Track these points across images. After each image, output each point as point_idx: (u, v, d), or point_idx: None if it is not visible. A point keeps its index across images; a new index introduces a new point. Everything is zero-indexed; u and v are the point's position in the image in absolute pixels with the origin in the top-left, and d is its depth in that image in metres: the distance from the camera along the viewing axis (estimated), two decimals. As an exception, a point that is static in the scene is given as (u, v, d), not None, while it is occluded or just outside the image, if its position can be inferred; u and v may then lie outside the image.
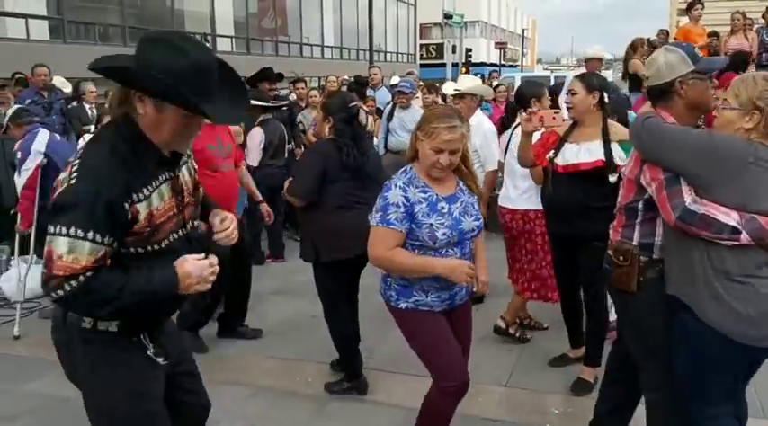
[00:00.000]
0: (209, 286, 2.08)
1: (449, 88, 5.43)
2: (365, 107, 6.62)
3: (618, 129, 3.83)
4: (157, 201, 2.03)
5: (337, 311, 3.92)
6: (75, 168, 1.91)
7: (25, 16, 14.78)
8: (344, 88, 9.20)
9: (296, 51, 27.42)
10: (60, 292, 1.87)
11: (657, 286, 2.65)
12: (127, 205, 1.93)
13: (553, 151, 3.79)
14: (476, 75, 31.57)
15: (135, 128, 1.99)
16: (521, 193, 4.51)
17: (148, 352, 2.15)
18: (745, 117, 2.39)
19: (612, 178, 3.56)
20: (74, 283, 1.87)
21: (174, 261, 2.03)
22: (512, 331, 4.66)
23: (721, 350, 2.44)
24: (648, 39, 10.20)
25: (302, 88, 9.11)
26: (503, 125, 6.26)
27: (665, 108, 2.69)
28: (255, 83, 7.09)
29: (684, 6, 11.10)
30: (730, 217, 2.32)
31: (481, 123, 5.30)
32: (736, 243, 2.33)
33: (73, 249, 1.85)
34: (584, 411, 3.67)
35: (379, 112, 8.48)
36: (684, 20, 11.04)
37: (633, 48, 9.65)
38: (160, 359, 2.18)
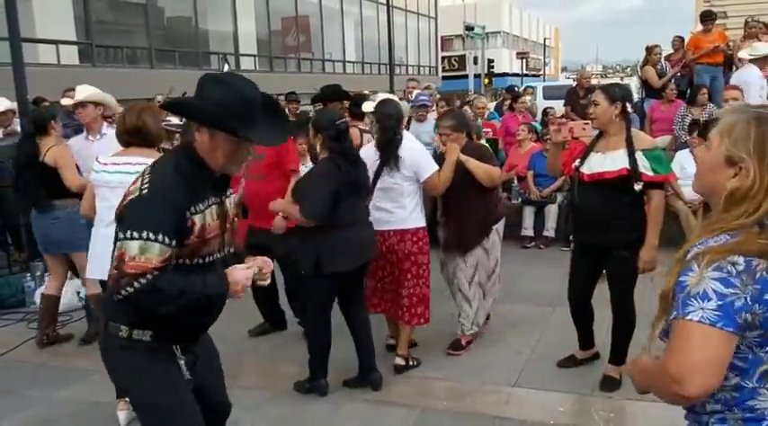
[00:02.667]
0: (243, 294, 2.34)
1: (368, 107, 5.50)
2: (363, 124, 6.63)
3: (642, 138, 3.99)
4: (209, 218, 2.28)
5: (316, 319, 4.07)
6: (145, 181, 2.19)
7: (56, 42, 15.30)
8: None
9: (318, 68, 27.80)
10: (130, 289, 2.08)
11: None
12: (188, 214, 2.19)
13: (579, 160, 3.93)
14: (497, 87, 31.32)
15: (194, 153, 2.28)
16: (410, 212, 4.32)
17: (180, 362, 2.37)
18: None
19: (638, 186, 3.70)
20: (143, 281, 2.08)
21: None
22: (411, 363, 4.46)
23: None
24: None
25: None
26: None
27: None
28: (326, 102, 6.72)
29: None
30: None
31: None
32: None
33: (145, 250, 2.08)
34: (588, 408, 3.82)
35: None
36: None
37: (649, 54, 9.76)
38: (187, 373, 2.38)
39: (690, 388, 1.46)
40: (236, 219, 2.60)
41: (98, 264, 4.10)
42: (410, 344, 4.55)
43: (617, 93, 3.89)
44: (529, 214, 7.95)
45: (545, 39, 57.85)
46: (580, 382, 4.12)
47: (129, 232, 2.11)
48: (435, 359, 4.61)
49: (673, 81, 9.49)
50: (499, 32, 51.05)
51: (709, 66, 9.37)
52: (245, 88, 2.28)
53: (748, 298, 1.45)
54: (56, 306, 5.26)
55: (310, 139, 4.22)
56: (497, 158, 7.91)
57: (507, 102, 10.84)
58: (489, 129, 8.66)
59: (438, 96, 10.48)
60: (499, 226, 4.80)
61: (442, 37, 42.76)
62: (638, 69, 10.29)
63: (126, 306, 2.17)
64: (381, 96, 5.60)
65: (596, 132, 3.96)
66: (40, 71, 14.00)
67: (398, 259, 4.32)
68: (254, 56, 23.77)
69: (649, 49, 9.73)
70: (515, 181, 8.45)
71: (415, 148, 4.36)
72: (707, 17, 9.66)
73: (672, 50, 10.57)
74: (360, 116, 6.48)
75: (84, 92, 5.29)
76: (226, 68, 7.21)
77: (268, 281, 2.47)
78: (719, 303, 1.44)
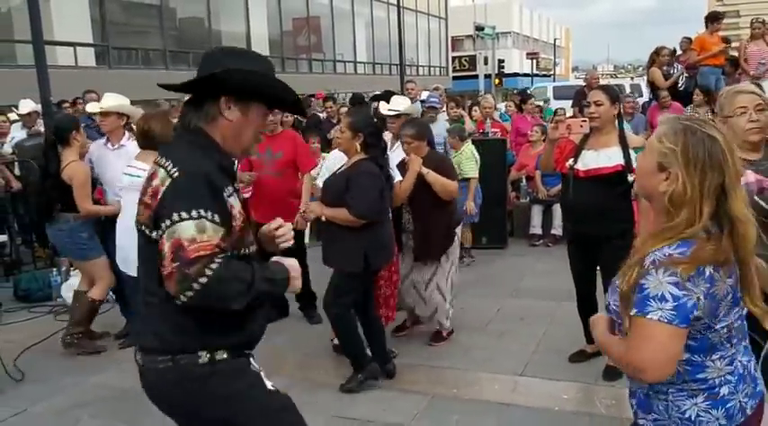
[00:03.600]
0: (299, 284, 2.11)
1: (383, 108, 5.56)
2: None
3: (632, 138, 4.22)
4: (236, 205, 2.02)
5: (346, 314, 4.20)
6: (170, 167, 1.92)
7: (73, 44, 15.61)
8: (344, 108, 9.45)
9: (329, 68, 28.05)
10: (203, 279, 1.80)
11: None
12: (225, 194, 1.95)
13: (572, 159, 4.13)
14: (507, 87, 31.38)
15: (210, 140, 2.03)
16: None
17: (261, 374, 2.17)
18: None
19: (631, 178, 3.91)
20: (214, 266, 1.81)
21: None
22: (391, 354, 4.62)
23: None
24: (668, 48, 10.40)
25: (331, 106, 9.55)
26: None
27: None
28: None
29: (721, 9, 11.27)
30: None
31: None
32: None
33: (202, 229, 1.82)
34: (592, 396, 4.02)
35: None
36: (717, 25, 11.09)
37: (656, 55, 9.91)
38: (269, 383, 2.18)
39: (650, 377, 1.73)
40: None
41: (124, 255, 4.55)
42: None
43: (616, 94, 4.15)
44: (537, 212, 8.14)
45: (555, 40, 57.86)
46: (584, 372, 4.31)
47: (174, 215, 1.83)
48: (445, 350, 4.85)
49: (680, 81, 9.64)
50: (509, 33, 51.11)
51: (715, 68, 9.53)
52: (264, 59, 2.19)
53: (700, 297, 1.67)
54: (98, 309, 5.21)
55: (343, 140, 4.21)
56: (505, 158, 8.14)
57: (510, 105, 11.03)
58: (498, 130, 8.85)
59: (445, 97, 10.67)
60: (458, 230, 4.98)
61: (452, 37, 42.93)
62: (646, 71, 10.41)
63: (189, 311, 1.90)
64: (396, 99, 5.76)
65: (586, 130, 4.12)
66: (59, 73, 14.26)
67: None
68: (267, 57, 24.02)
69: (656, 51, 9.88)
70: (524, 181, 8.65)
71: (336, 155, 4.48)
72: (712, 19, 9.79)
73: (681, 51, 10.73)
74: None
75: (108, 101, 5.26)
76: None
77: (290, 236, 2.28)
78: (675, 304, 1.66)
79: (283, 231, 2.25)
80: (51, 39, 15.18)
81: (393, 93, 7.38)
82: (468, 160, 6.86)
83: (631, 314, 1.72)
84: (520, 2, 55.41)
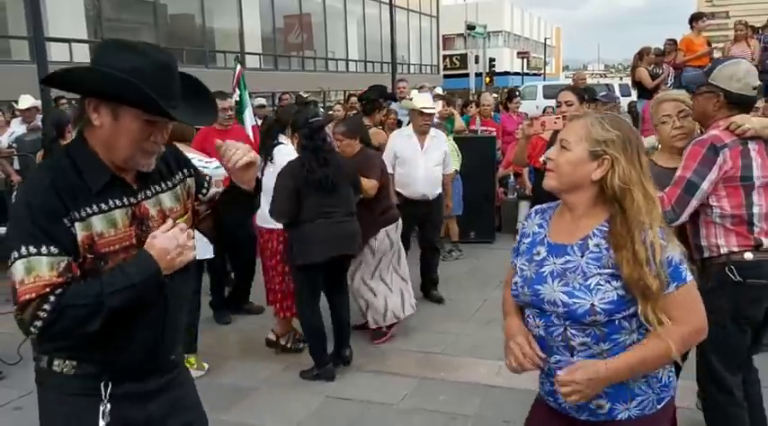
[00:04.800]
0: (193, 253, 1.86)
1: (419, 103, 5.74)
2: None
3: None
4: (103, 226, 1.77)
5: (304, 307, 4.41)
6: (15, 191, 1.79)
7: (68, 40, 15.72)
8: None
9: (321, 66, 28.19)
10: (39, 323, 1.64)
11: None
12: (66, 221, 1.71)
13: (546, 154, 4.35)
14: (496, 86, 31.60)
15: (84, 148, 1.80)
16: None
17: (100, 407, 1.81)
18: None
19: None
20: (47, 307, 1.64)
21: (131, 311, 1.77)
22: (283, 342, 4.85)
23: None
24: (657, 48, 10.65)
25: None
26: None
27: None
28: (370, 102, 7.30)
29: (710, 10, 11.51)
30: None
31: (441, 134, 6.15)
32: None
33: (30, 268, 1.65)
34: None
35: (400, 125, 9.03)
36: (711, 22, 11.37)
37: (640, 56, 10.14)
38: (103, 422, 1.81)
39: (706, 332, 1.90)
40: (190, 216, 2.04)
41: None
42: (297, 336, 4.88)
43: (584, 94, 4.41)
44: (524, 208, 8.36)
45: (546, 39, 58.21)
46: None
47: (11, 255, 1.68)
48: (432, 336, 5.09)
49: (669, 81, 9.90)
50: (500, 32, 51.45)
51: (698, 68, 9.78)
52: (158, 53, 1.79)
53: None
54: None
55: (289, 138, 4.56)
56: (494, 156, 8.37)
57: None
58: (492, 128, 9.05)
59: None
60: (390, 229, 4.94)
61: (443, 36, 43.18)
62: (631, 71, 10.66)
63: (47, 342, 1.76)
64: (418, 96, 5.93)
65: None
66: (55, 68, 14.45)
67: (267, 256, 4.79)
68: (260, 54, 24.14)
69: (642, 52, 10.11)
70: (512, 178, 8.88)
71: (290, 153, 4.56)
72: (695, 18, 10.05)
73: (665, 52, 10.99)
74: (371, 112, 7.01)
75: None
76: (239, 69, 7.51)
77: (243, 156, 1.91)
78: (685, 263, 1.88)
79: (226, 146, 1.92)
80: (47, 35, 15.34)
81: (384, 88, 7.64)
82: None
83: (670, 291, 1.82)
84: (511, 1, 55.75)
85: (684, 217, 2.85)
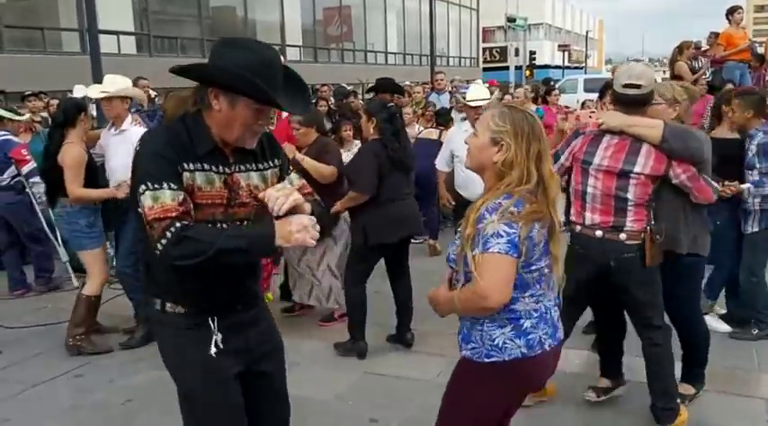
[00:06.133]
0: (314, 240, 2.08)
1: (473, 94, 5.78)
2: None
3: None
4: (202, 182, 2.12)
5: (357, 283, 4.64)
6: (137, 145, 2.15)
7: (116, 33, 16.20)
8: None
9: (360, 58, 28.36)
10: (164, 241, 1.98)
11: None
12: (179, 168, 2.08)
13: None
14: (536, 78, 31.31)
15: (199, 121, 2.15)
16: None
17: (213, 337, 2.21)
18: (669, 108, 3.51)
19: None
20: (173, 229, 1.98)
21: None
22: None
23: None
24: (698, 41, 10.61)
25: (353, 101, 9.97)
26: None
27: (643, 114, 3.42)
28: (377, 93, 7.60)
29: (760, 2, 11.39)
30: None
31: None
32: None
33: (156, 198, 2.01)
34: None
35: (436, 116, 9.22)
36: (760, 15, 11.28)
37: (680, 50, 10.11)
38: (214, 349, 2.21)
39: (493, 302, 2.15)
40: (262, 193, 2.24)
41: None
42: None
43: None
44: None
45: (587, 32, 57.54)
46: (589, 340, 4.66)
47: (139, 190, 2.05)
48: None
49: (706, 75, 9.86)
50: (541, 24, 51.01)
51: (740, 63, 9.74)
52: (265, 50, 2.14)
53: (522, 235, 2.15)
54: (97, 305, 4.98)
55: (363, 124, 4.78)
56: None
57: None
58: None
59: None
60: (345, 215, 4.99)
61: (483, 28, 43.04)
62: (670, 65, 10.63)
63: (165, 263, 2.06)
64: (475, 88, 6.12)
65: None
66: (103, 60, 14.93)
67: None
68: (300, 46, 24.43)
69: (682, 46, 10.08)
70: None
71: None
72: (731, 11, 9.96)
73: (707, 46, 10.93)
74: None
75: (111, 85, 4.97)
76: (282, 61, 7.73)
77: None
78: (508, 239, 2.13)
79: (267, 196, 2.14)
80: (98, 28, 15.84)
81: (392, 81, 7.83)
82: None
83: (474, 253, 2.16)
84: (552, -7, 55.19)
85: None
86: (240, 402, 2.32)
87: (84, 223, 4.79)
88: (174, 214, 2.01)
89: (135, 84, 9.53)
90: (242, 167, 2.23)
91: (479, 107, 5.43)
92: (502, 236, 2.12)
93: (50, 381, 4.39)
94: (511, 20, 37.27)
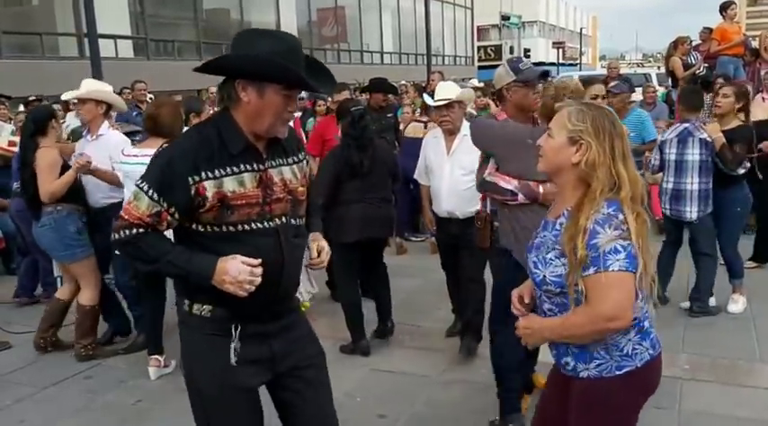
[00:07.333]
0: (243, 293, 2.09)
1: (429, 100, 5.05)
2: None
3: None
4: (234, 186, 2.11)
5: (340, 282, 4.80)
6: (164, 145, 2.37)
7: (114, 37, 16.23)
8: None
9: (356, 58, 28.39)
10: (117, 236, 2.12)
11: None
12: (191, 180, 2.06)
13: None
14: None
15: (229, 120, 2.15)
16: None
17: (231, 345, 2.19)
18: None
19: None
20: (127, 232, 2.10)
21: (245, 250, 2.11)
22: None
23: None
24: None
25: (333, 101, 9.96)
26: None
27: (503, 108, 3.55)
28: (370, 94, 7.66)
29: None
30: (510, 184, 3.27)
31: None
32: (517, 202, 3.27)
33: (136, 197, 2.10)
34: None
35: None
36: (754, 9, 11.36)
37: (675, 46, 10.19)
38: (234, 358, 2.19)
39: (620, 323, 2.01)
40: (301, 189, 2.34)
41: None
42: None
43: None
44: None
45: (581, 29, 57.64)
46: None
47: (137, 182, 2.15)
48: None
49: (699, 70, 9.93)
50: (535, 22, 51.12)
51: (734, 57, 9.81)
52: (290, 37, 2.18)
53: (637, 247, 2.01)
54: (64, 310, 4.94)
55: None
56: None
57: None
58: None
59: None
60: None
61: (477, 27, 43.06)
62: (665, 60, 10.71)
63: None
64: (444, 86, 5.99)
65: None
66: (103, 64, 14.97)
67: None
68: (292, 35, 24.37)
69: (677, 41, 10.16)
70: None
71: None
72: (725, 7, 10.03)
73: (700, 41, 11.01)
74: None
75: (86, 86, 4.85)
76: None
77: (324, 264, 2.42)
78: (626, 253, 1.98)
79: (318, 264, 2.43)
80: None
81: (385, 80, 7.84)
82: None
83: (589, 273, 1.98)
84: (546, -10, 55.28)
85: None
86: (256, 413, 2.33)
87: (74, 229, 4.67)
88: (136, 221, 2.09)
89: (132, 87, 9.64)
90: (274, 162, 2.24)
91: (450, 105, 4.49)
92: (620, 252, 1.97)
93: (61, 383, 4.45)
94: (505, 18, 37.42)
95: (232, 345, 2.19)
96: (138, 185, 2.11)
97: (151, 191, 2.07)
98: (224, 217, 2.12)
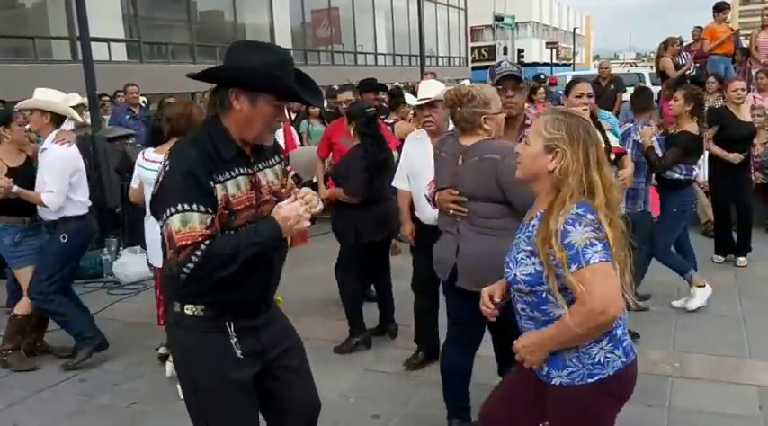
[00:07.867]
0: (308, 223, 2.22)
1: (411, 100, 4.84)
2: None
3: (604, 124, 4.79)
4: (234, 189, 2.19)
5: (349, 275, 4.83)
6: (166, 162, 2.17)
7: (107, 40, 16.20)
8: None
9: (350, 60, 28.40)
10: (191, 265, 2.06)
11: None
12: (210, 183, 2.13)
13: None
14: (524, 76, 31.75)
15: (219, 127, 2.21)
16: None
17: (231, 340, 2.28)
18: None
19: (612, 156, 4.39)
20: (199, 252, 2.06)
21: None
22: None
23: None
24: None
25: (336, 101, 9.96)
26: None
27: None
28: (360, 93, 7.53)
29: None
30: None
31: None
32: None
33: (185, 221, 2.06)
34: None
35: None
36: (746, 8, 11.42)
37: (665, 46, 10.26)
38: (239, 351, 2.29)
39: (612, 312, 2.00)
40: (284, 190, 2.46)
41: (152, 249, 4.35)
42: None
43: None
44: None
45: (574, 29, 57.78)
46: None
47: (167, 209, 2.09)
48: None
49: (690, 70, 10.00)
50: (529, 22, 51.25)
51: (724, 56, 9.87)
52: (281, 50, 2.28)
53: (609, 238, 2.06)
54: (26, 324, 4.79)
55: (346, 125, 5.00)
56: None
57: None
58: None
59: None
60: None
61: (471, 27, 43.14)
62: (655, 60, 10.77)
63: (191, 283, 2.14)
64: (427, 85, 5.95)
65: None
66: (96, 68, 14.93)
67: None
68: (290, 49, 24.36)
69: (667, 42, 10.22)
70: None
71: None
72: (718, 9, 10.10)
73: (692, 40, 11.08)
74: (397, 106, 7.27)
75: (35, 96, 4.65)
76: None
77: (320, 208, 2.37)
78: (602, 244, 2.02)
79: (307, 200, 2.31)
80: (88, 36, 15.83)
81: (374, 80, 7.86)
82: None
83: (571, 271, 2.00)
84: (539, -9, 55.40)
85: None
86: (255, 405, 2.41)
87: (8, 242, 4.62)
88: (199, 239, 2.08)
89: (124, 90, 9.64)
90: (260, 165, 2.33)
91: (433, 104, 4.17)
92: (596, 244, 2.01)
93: (55, 386, 4.46)
94: (498, 18, 37.50)
95: (233, 340, 2.28)
96: (175, 212, 2.08)
97: (195, 205, 2.09)
98: (229, 222, 2.19)
